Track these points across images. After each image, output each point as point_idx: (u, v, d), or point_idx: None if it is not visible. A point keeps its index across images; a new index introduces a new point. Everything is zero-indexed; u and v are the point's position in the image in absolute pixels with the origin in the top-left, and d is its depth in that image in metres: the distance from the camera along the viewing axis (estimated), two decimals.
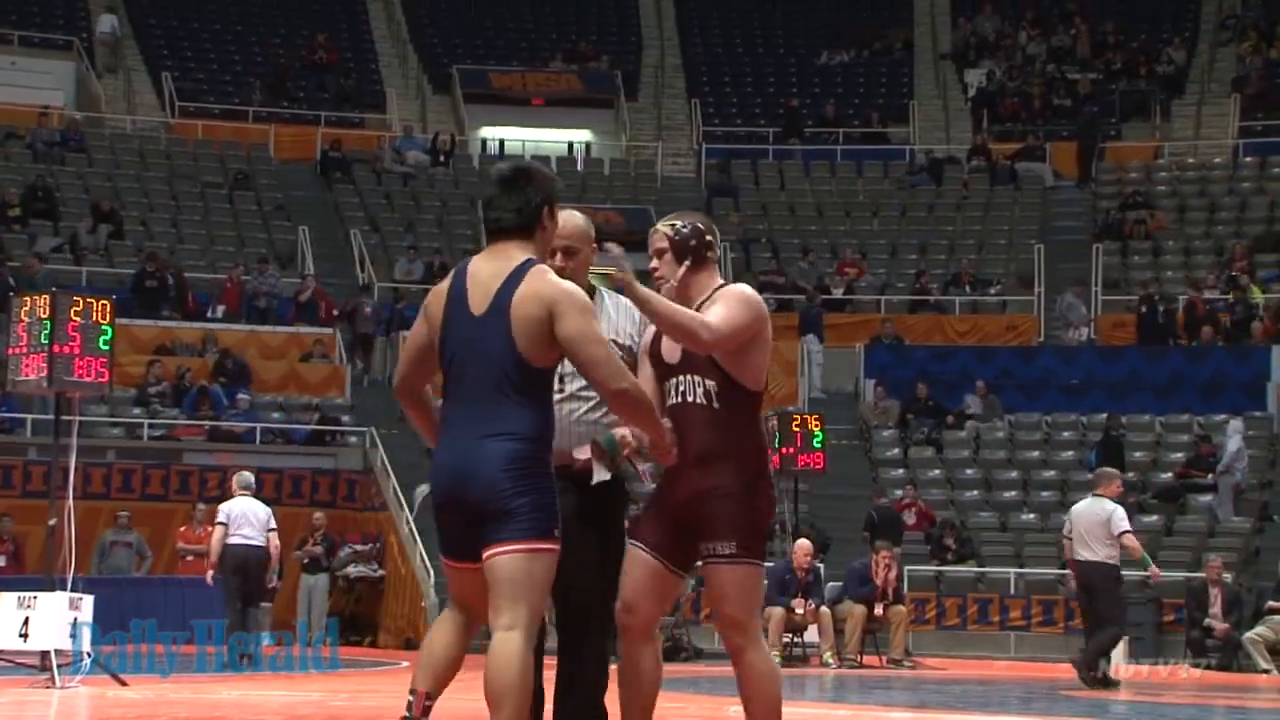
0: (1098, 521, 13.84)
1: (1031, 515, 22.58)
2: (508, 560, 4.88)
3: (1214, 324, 24.63)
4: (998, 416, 24.47)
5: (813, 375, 25.26)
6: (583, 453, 5.43)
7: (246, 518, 14.86)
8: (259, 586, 15.15)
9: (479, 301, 5.01)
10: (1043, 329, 26.36)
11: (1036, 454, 24.11)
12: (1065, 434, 24.38)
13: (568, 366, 5.28)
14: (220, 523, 14.92)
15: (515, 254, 5.06)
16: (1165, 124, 31.00)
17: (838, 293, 27.04)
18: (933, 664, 17.93)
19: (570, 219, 5.50)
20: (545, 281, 4.98)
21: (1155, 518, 22.18)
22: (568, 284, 4.98)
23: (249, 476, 15.46)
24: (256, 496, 15.36)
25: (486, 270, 5.06)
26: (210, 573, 15.40)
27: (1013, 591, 20.91)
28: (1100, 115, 30.85)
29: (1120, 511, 13.91)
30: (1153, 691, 15.12)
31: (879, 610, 17.49)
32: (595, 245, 5.67)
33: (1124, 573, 20.67)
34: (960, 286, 26.99)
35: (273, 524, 15.03)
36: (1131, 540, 13.95)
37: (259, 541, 14.83)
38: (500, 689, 4.84)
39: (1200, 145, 30.36)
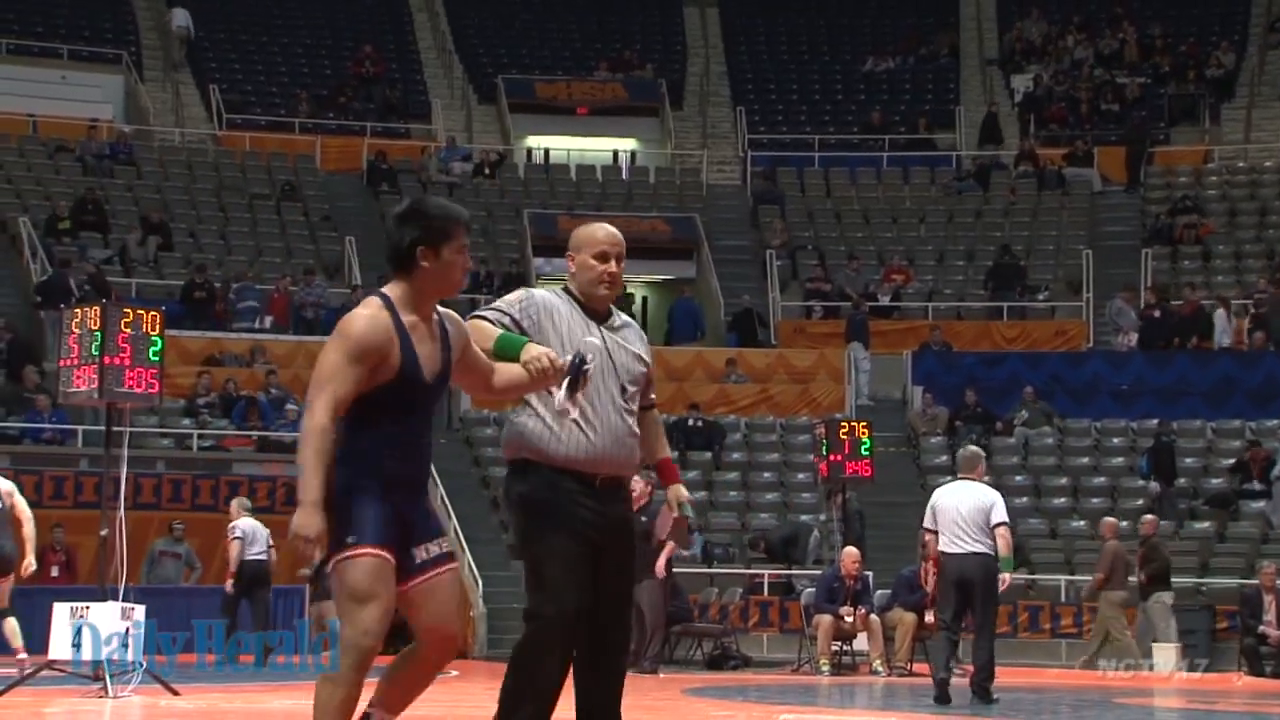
0: (978, 508, 11.95)
1: (1081, 522, 22.44)
2: None
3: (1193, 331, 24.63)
4: (1048, 423, 24.34)
5: (860, 383, 25.19)
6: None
7: (257, 535, 16.98)
8: (268, 595, 17.31)
9: None
10: (1092, 334, 26.21)
11: (1086, 460, 23.96)
12: (1115, 440, 24.23)
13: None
14: (237, 538, 16.89)
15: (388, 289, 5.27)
16: (1215, 128, 30.80)
17: (884, 300, 26.96)
18: (1087, 678, 17.79)
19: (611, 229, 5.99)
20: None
21: (1207, 524, 22.02)
22: (348, 318, 5.12)
23: (247, 500, 17.68)
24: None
25: None
26: (229, 583, 17.06)
27: (1064, 599, 20.78)
28: (1149, 119, 30.68)
29: (1001, 499, 12.21)
30: (1207, 700, 15.00)
31: (929, 618, 17.40)
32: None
33: (1173, 580, 20.75)
34: (1011, 292, 26.87)
35: (271, 540, 16.99)
36: (1008, 535, 12.06)
37: (266, 556, 16.99)
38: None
39: (1250, 149, 30.14)
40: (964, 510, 11.96)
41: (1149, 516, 20.02)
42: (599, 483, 5.68)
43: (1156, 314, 25.23)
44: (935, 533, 12.14)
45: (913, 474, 23.58)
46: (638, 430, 5.77)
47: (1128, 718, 12.58)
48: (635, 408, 5.78)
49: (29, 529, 12.82)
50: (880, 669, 17.03)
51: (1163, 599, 19.08)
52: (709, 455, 23.88)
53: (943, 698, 11.95)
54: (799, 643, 18.12)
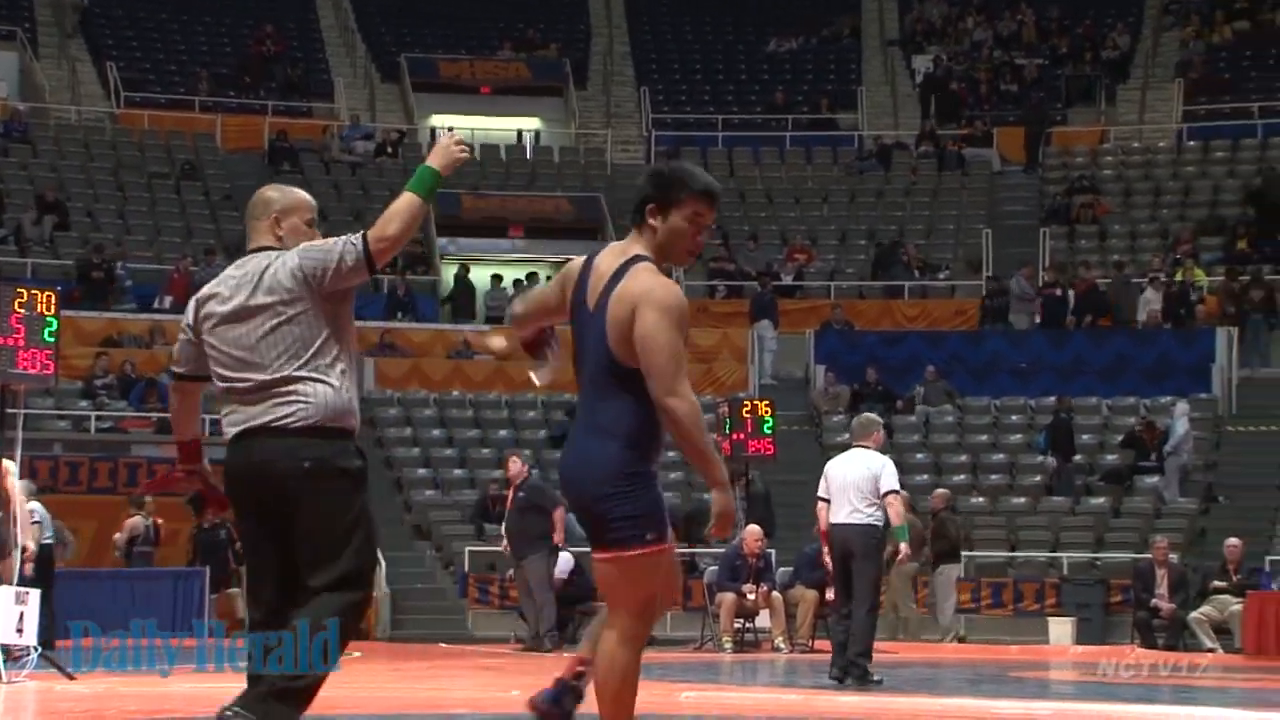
0: (867, 476, 11.66)
1: (981, 499, 22.72)
2: (602, 567, 5.08)
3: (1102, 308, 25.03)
4: (948, 401, 24.61)
5: (764, 362, 25.34)
6: None
7: (46, 519, 16.10)
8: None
9: (593, 295, 5.08)
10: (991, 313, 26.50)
11: (985, 438, 24.26)
12: (1014, 417, 24.54)
13: None
14: (36, 522, 15.71)
15: (631, 248, 5.07)
16: (1110, 109, 31.21)
17: (787, 279, 27.13)
18: (883, 647, 18.00)
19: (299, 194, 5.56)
20: (636, 280, 4.96)
21: (1103, 500, 22.37)
22: (656, 282, 4.94)
23: (31, 484, 16.54)
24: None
25: (605, 263, 5.09)
26: (30, 566, 16.28)
27: (962, 574, 21.03)
28: (1046, 101, 31.04)
29: (892, 466, 11.85)
30: (1100, 671, 15.24)
31: (830, 594, 17.54)
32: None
33: (1065, 556, 21.10)
34: (909, 271, 27.13)
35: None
36: (898, 503, 11.76)
37: (52, 541, 16.09)
38: (597, 688, 5.12)
39: (1145, 130, 30.57)
40: (852, 477, 11.69)
41: (940, 491, 20.28)
42: None
43: (1057, 292, 25.55)
44: (828, 502, 11.86)
45: (815, 452, 23.69)
46: None
47: (1024, 691, 12.76)
48: None
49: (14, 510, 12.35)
50: (782, 646, 17.16)
51: (947, 572, 19.47)
52: None
53: (841, 676, 11.87)
54: (702, 621, 18.23)
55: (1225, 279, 25.35)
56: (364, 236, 5.28)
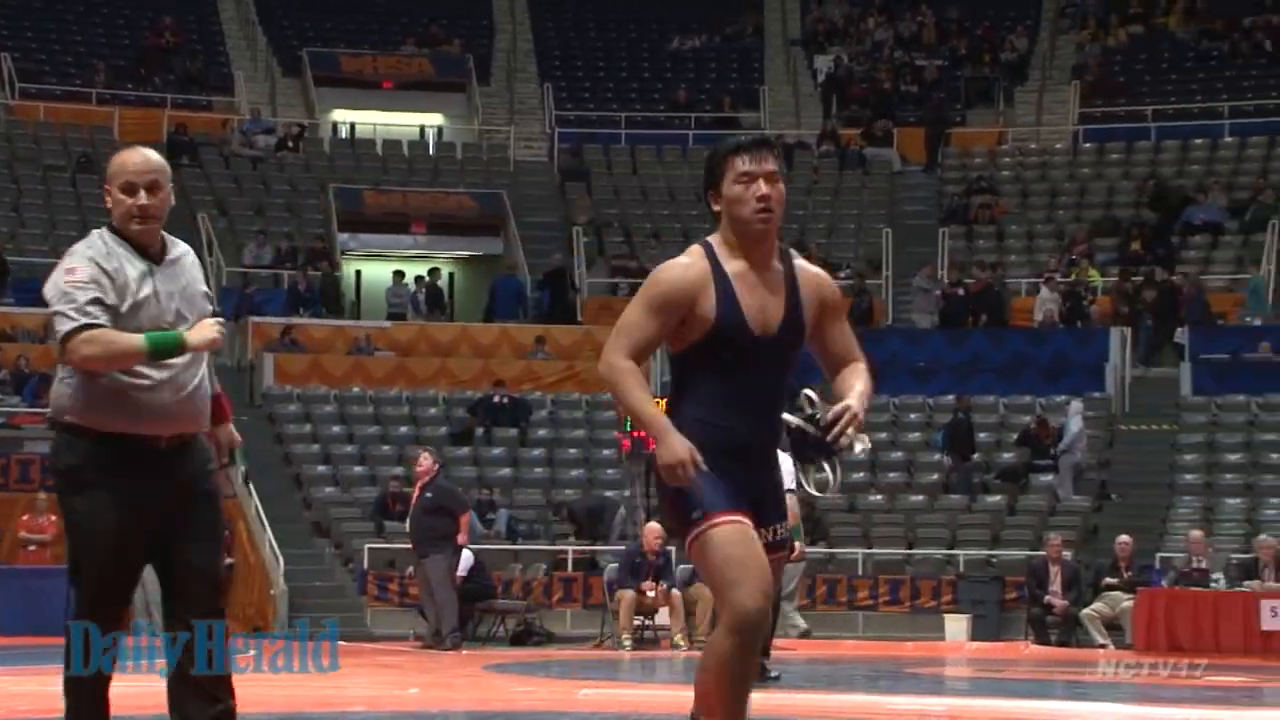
0: None
1: (879, 497, 22.93)
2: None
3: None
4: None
5: (665, 360, 25.38)
6: None
7: None
8: None
9: None
10: (891, 312, 26.77)
11: (884, 435, 24.46)
12: (913, 416, 24.78)
13: None
14: None
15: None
16: (1009, 110, 31.58)
17: None
18: (782, 644, 18.13)
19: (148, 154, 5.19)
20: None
21: (999, 498, 22.64)
22: (660, 265, 4.87)
23: None
24: None
25: None
26: None
27: (860, 572, 21.24)
28: (946, 101, 31.35)
29: (790, 464, 11.50)
30: (995, 668, 15.45)
31: None
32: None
33: (961, 554, 21.34)
34: None
35: None
36: (794, 503, 11.25)
37: None
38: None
39: (1042, 131, 30.96)
40: None
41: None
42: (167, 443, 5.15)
43: (960, 292, 25.81)
44: None
45: None
46: (206, 377, 5.19)
47: (919, 687, 12.91)
48: (205, 353, 5.19)
49: None
50: (681, 643, 17.22)
51: (790, 570, 19.36)
52: (514, 432, 23.94)
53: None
54: (601, 618, 18.28)
55: (1119, 279, 25.74)
56: (77, 329, 4.98)
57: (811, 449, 4.84)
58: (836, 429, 4.79)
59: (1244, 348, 24.23)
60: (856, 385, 4.94)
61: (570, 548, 21.33)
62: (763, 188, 4.80)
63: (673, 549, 18.51)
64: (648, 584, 17.38)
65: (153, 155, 5.20)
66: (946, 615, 19.98)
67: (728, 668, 4.72)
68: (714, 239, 4.86)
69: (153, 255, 5.13)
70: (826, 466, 4.83)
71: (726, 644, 4.71)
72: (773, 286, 4.86)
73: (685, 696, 11.41)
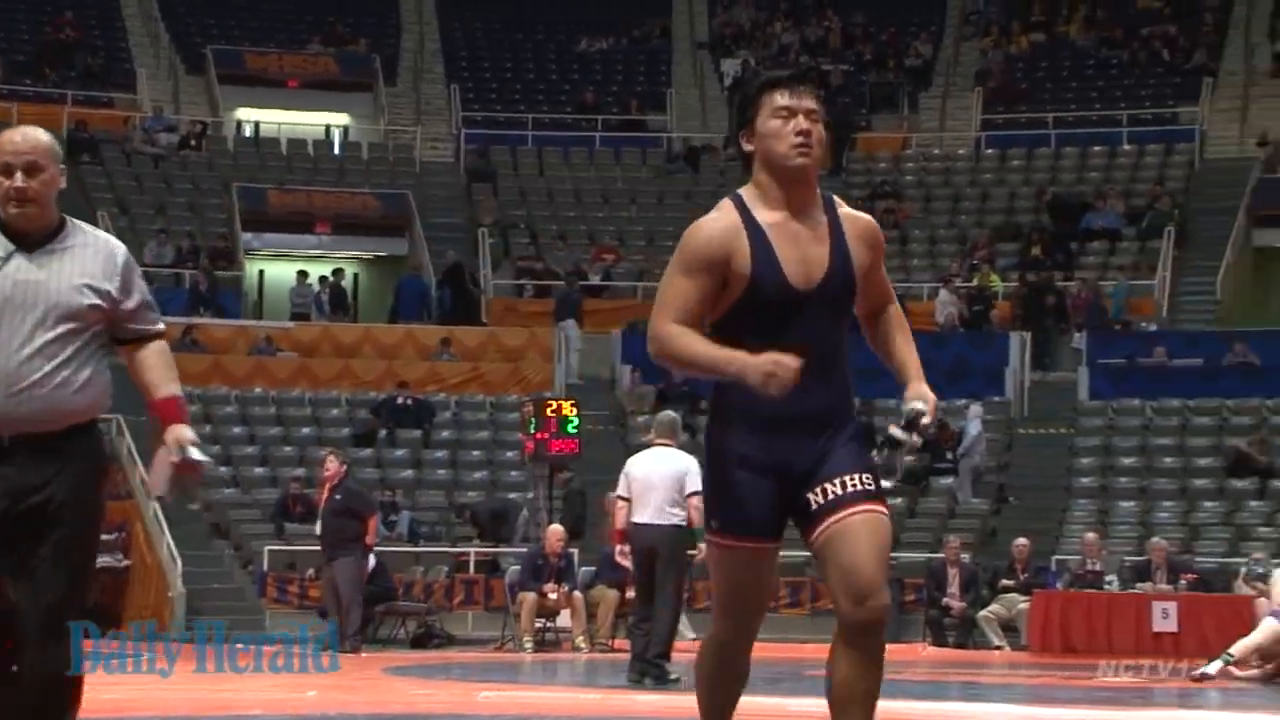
0: (673, 475, 11.33)
1: None
2: None
3: None
4: None
5: (570, 361, 25.46)
6: None
7: None
8: None
9: None
10: None
11: None
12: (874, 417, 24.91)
13: None
14: None
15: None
16: (913, 116, 31.88)
17: (595, 279, 27.29)
18: (683, 646, 18.23)
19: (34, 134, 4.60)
20: None
21: (899, 500, 22.84)
22: (690, 227, 4.44)
23: None
24: None
25: None
26: None
27: None
28: (851, 106, 31.61)
29: (697, 466, 10.85)
30: (892, 669, 15.58)
31: (631, 594, 17.71)
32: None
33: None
34: None
35: None
36: (700, 504, 11.63)
37: None
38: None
39: (945, 137, 31.30)
40: (658, 477, 11.41)
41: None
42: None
43: None
44: (629, 501, 11.58)
45: (620, 452, 23.82)
46: (69, 374, 4.54)
47: (819, 689, 12.98)
48: (71, 348, 4.54)
49: None
50: (582, 645, 17.27)
51: None
52: (418, 433, 23.90)
53: (639, 677, 11.79)
54: (503, 620, 18.29)
55: (1019, 284, 26.06)
56: None
57: (896, 449, 4.51)
58: (920, 424, 4.47)
59: (1140, 352, 24.61)
60: (912, 359, 4.61)
61: (472, 550, 21.31)
62: (803, 123, 4.37)
63: (575, 551, 18.57)
64: (549, 586, 17.40)
65: (36, 134, 4.63)
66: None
67: (704, 674, 4.69)
68: (745, 190, 4.45)
69: (31, 240, 4.58)
70: (895, 460, 4.55)
71: (706, 656, 4.69)
72: (815, 235, 4.42)
73: (586, 699, 11.50)
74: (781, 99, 4.39)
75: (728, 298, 4.36)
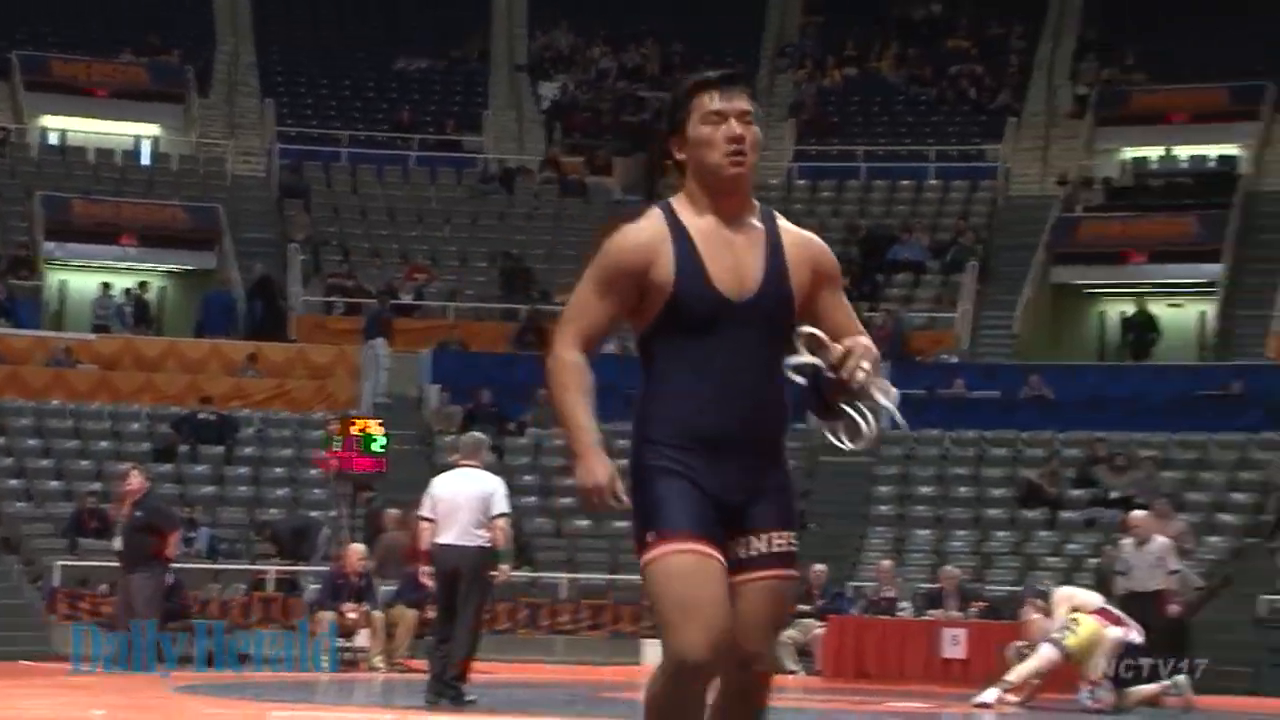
0: (479, 497, 11.47)
1: (586, 522, 23.19)
2: None
3: None
4: (558, 425, 25.01)
5: (379, 380, 25.33)
6: None
7: None
8: None
9: None
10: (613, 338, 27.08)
11: None
12: (623, 442, 24.97)
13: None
14: None
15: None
16: None
17: (406, 298, 27.21)
18: (482, 667, 18.23)
19: None
20: None
21: None
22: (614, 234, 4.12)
23: None
24: None
25: None
26: None
27: (563, 596, 21.44)
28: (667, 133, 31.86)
29: (504, 488, 11.69)
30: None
31: (431, 614, 17.65)
32: None
33: (622, 578, 21.66)
34: (519, 295, 27.51)
35: None
36: (507, 526, 11.65)
37: None
38: None
39: (759, 166, 31.60)
40: (464, 498, 11.45)
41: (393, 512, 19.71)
42: None
43: None
44: (433, 521, 11.59)
45: (426, 471, 23.70)
46: None
47: (614, 710, 13.11)
48: None
49: None
50: (380, 665, 17.21)
51: None
52: (220, 449, 23.59)
53: (436, 699, 11.72)
54: (299, 639, 18.10)
55: None
56: None
57: (829, 392, 4.00)
58: (850, 362, 3.97)
59: (940, 383, 25.15)
60: (860, 339, 4.13)
61: (272, 567, 21.09)
62: (735, 128, 4.08)
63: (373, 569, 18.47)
64: (348, 605, 17.33)
65: None
66: (645, 640, 20.28)
67: (660, 714, 4.03)
68: (675, 199, 4.14)
69: None
70: (853, 412, 4.00)
71: (659, 690, 4.01)
72: (748, 244, 4.09)
73: (381, 719, 11.43)
74: (712, 102, 4.10)
75: (650, 309, 4.04)
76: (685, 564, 3.93)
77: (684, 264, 4.03)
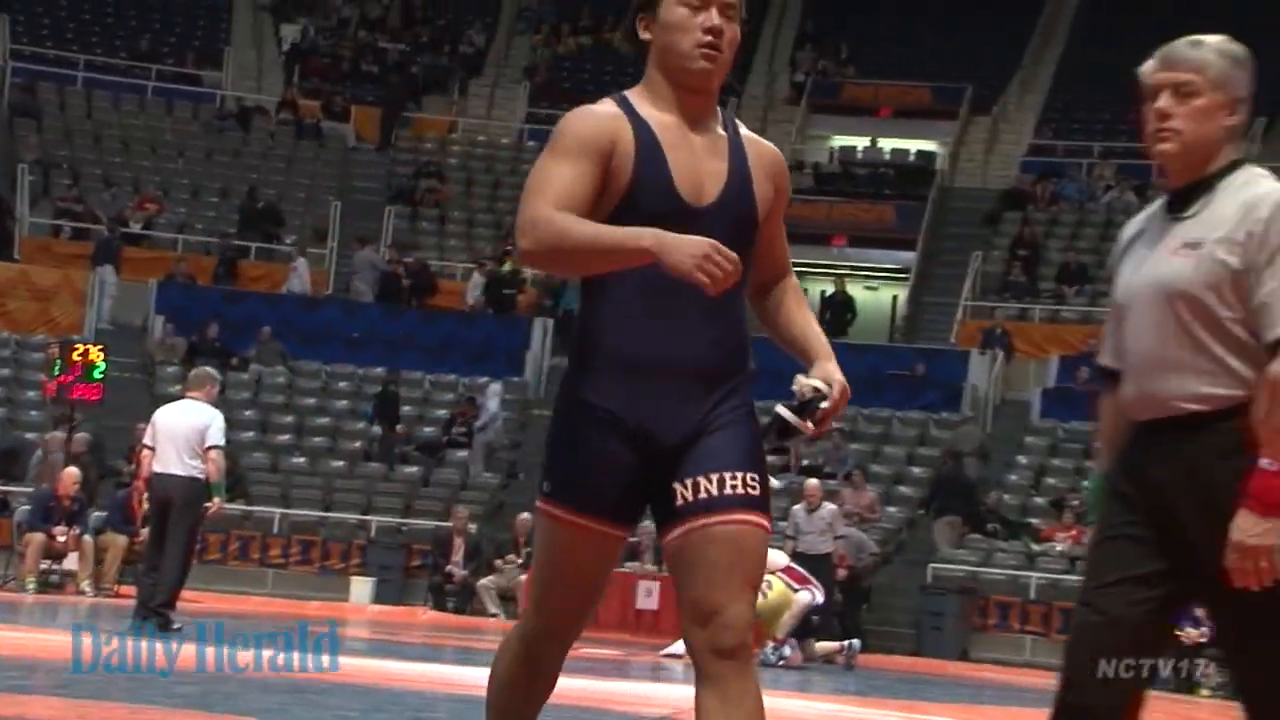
0: (195, 428, 11.87)
1: (303, 459, 23.76)
2: None
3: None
4: (281, 362, 25.51)
5: (103, 307, 25.43)
6: None
7: None
8: None
9: None
10: (332, 283, 27.62)
11: (313, 401, 25.32)
12: (343, 384, 25.70)
13: None
14: None
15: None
16: (462, 101, 32.89)
17: (136, 227, 27.29)
18: (191, 596, 18.67)
19: None
20: None
21: (415, 469, 23.85)
22: (566, 116, 3.66)
23: None
24: None
25: None
26: None
27: (276, 530, 22.02)
28: (404, 85, 32.38)
29: (220, 420, 12.09)
30: (391, 630, 16.46)
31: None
32: None
33: (375, 520, 22.39)
34: (256, 233, 27.80)
35: None
36: (220, 459, 12.07)
37: None
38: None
39: (491, 125, 32.44)
40: (180, 428, 11.86)
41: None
42: None
43: (400, 270, 26.92)
44: (154, 450, 11.99)
45: (147, 401, 24.03)
46: None
47: (318, 646, 13.63)
48: None
49: None
50: (87, 589, 17.49)
51: None
52: None
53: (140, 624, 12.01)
54: (7, 560, 18.37)
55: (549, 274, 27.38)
56: None
57: (787, 437, 3.58)
58: (822, 420, 3.55)
59: None
60: (816, 333, 3.72)
61: None
62: (714, 18, 3.59)
63: (85, 494, 18.78)
64: (59, 528, 17.57)
65: None
66: (354, 577, 21.00)
67: (501, 671, 3.82)
68: (631, 91, 3.67)
69: None
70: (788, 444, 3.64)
71: (508, 650, 3.83)
72: (712, 148, 3.62)
73: (68, 642, 11.65)
74: None
75: (602, 208, 3.52)
76: (571, 537, 3.61)
77: (645, 156, 3.56)
